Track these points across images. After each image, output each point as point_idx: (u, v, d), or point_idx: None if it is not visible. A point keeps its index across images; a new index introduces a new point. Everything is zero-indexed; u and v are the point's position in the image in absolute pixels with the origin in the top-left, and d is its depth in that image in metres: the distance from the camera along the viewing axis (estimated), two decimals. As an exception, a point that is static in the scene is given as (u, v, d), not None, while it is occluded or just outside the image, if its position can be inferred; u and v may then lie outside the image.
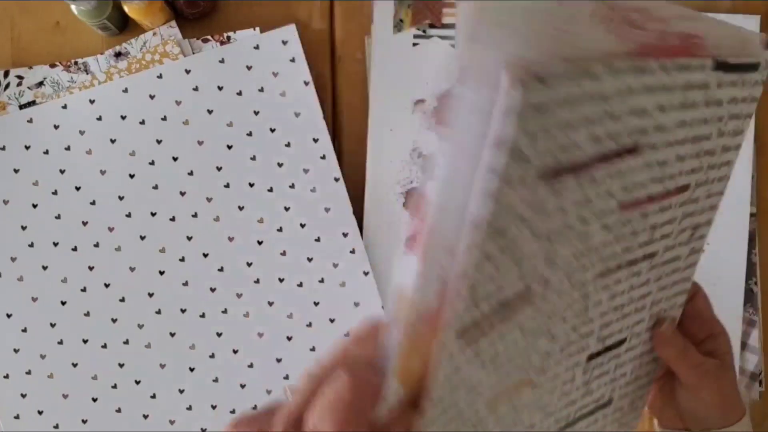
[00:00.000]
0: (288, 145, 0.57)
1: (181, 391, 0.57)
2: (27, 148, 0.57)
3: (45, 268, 0.57)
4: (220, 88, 0.57)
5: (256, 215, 0.57)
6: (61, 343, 0.57)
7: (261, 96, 0.57)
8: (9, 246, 0.57)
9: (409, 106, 0.58)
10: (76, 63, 0.58)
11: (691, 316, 0.52)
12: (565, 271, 0.30)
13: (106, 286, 0.57)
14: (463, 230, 0.24)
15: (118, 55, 0.58)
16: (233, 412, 0.57)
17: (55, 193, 0.57)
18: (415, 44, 0.59)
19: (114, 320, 0.57)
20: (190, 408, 0.57)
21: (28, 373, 0.57)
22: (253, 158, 0.57)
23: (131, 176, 0.57)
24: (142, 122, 0.57)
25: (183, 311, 0.57)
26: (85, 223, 0.57)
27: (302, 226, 0.57)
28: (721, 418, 0.52)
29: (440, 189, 0.24)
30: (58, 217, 0.57)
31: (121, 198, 0.57)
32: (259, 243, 0.57)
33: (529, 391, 0.34)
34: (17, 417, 0.57)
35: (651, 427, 0.55)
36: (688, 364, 0.51)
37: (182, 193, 0.57)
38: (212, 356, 0.57)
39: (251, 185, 0.57)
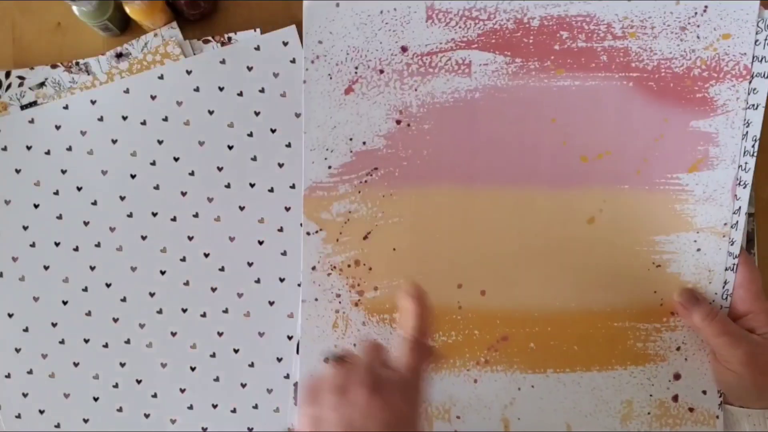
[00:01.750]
0: (288, 145, 0.57)
1: (183, 391, 0.57)
2: (28, 148, 0.57)
3: (46, 267, 0.57)
4: (220, 89, 0.57)
5: (257, 215, 0.57)
6: (62, 342, 0.57)
7: (262, 96, 0.57)
8: (10, 246, 0.57)
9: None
10: (77, 64, 0.58)
11: (737, 286, 0.54)
12: None
13: (108, 285, 0.57)
14: None
15: (119, 55, 0.58)
16: (234, 411, 0.57)
17: (56, 193, 0.57)
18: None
19: (115, 320, 0.57)
20: (191, 407, 0.57)
21: (30, 372, 0.57)
22: (254, 158, 0.57)
23: (132, 176, 0.57)
24: (143, 123, 0.57)
25: (184, 311, 0.57)
26: (86, 223, 0.57)
27: (302, 225, 0.57)
28: (758, 398, 0.52)
29: None
30: (59, 217, 0.57)
31: (122, 198, 0.57)
32: (260, 243, 0.57)
33: None
34: (18, 416, 0.57)
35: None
36: (713, 331, 0.52)
37: (183, 194, 0.57)
38: (213, 356, 0.57)
39: (252, 185, 0.57)
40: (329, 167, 0.53)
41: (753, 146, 0.54)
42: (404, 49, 0.53)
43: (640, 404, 0.55)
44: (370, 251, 0.54)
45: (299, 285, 0.57)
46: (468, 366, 0.55)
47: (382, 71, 0.53)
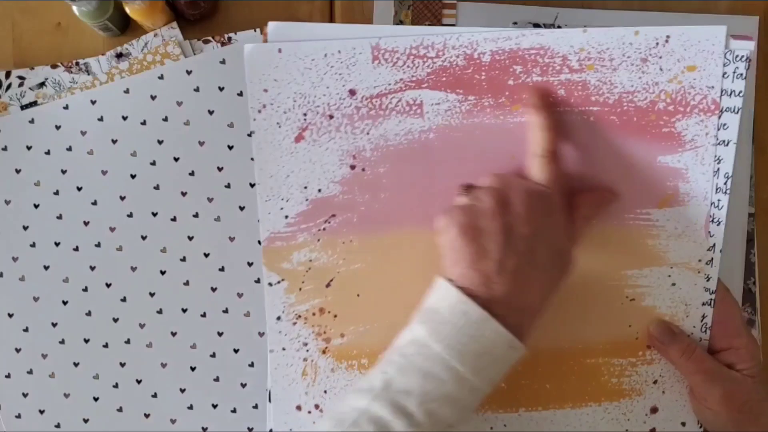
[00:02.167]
0: (288, 145, 0.57)
1: (183, 390, 0.57)
2: (29, 148, 0.57)
3: (46, 267, 0.57)
4: (220, 89, 0.57)
5: (257, 215, 0.57)
6: (62, 342, 0.57)
7: (262, 96, 0.57)
8: (11, 246, 0.57)
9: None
10: (77, 64, 0.58)
11: (716, 321, 0.52)
12: None
13: (108, 285, 0.57)
14: None
15: (119, 55, 0.58)
16: (234, 411, 0.57)
17: (56, 193, 0.57)
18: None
19: (115, 320, 0.57)
20: (191, 407, 0.57)
21: (30, 372, 0.57)
22: (254, 159, 0.57)
23: (132, 176, 0.57)
24: (144, 123, 0.57)
25: (184, 311, 0.57)
26: (86, 223, 0.57)
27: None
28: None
29: None
30: (59, 217, 0.57)
31: (122, 198, 0.57)
32: (260, 243, 0.57)
33: None
34: (19, 416, 0.57)
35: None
36: (690, 368, 0.51)
37: (183, 194, 0.57)
38: (213, 355, 0.57)
39: (252, 185, 0.57)
40: (286, 216, 0.52)
41: (725, 183, 0.51)
42: (352, 92, 0.51)
43: None
44: (334, 298, 0.53)
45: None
46: None
47: (331, 116, 0.51)
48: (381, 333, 0.52)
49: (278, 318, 0.52)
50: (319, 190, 0.52)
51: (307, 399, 0.53)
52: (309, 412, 0.53)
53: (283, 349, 0.53)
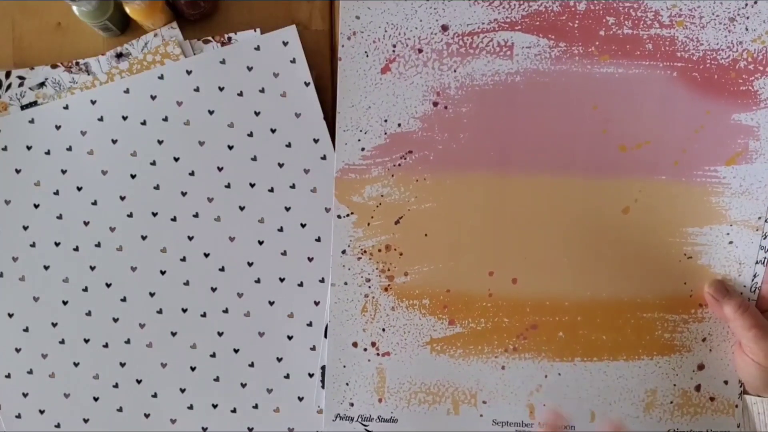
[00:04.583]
0: (289, 145, 0.57)
1: (183, 390, 0.57)
2: (28, 148, 0.57)
3: (46, 267, 0.57)
4: (221, 89, 0.57)
5: (257, 215, 0.57)
6: (62, 342, 0.57)
7: (262, 97, 0.57)
8: (10, 246, 0.57)
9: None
10: (77, 64, 0.58)
11: (765, 279, 0.55)
12: None
13: (108, 285, 0.57)
14: None
15: (119, 55, 0.58)
16: (234, 411, 0.57)
17: (56, 193, 0.57)
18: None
19: (115, 320, 0.57)
20: (191, 407, 0.58)
21: (30, 372, 0.57)
22: (254, 158, 0.57)
23: (132, 176, 0.57)
24: (144, 123, 0.57)
25: (184, 311, 0.57)
26: (86, 223, 0.57)
27: (303, 226, 0.57)
28: None
29: None
30: (59, 217, 0.57)
31: (122, 198, 0.57)
32: (260, 243, 0.57)
33: None
34: (19, 416, 0.57)
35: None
36: (743, 324, 0.53)
37: (183, 194, 0.57)
38: (213, 355, 0.57)
39: (252, 185, 0.57)
40: (362, 149, 0.52)
41: None
42: (445, 27, 0.51)
43: (664, 393, 0.55)
44: (401, 236, 0.53)
45: (300, 285, 0.57)
46: (496, 353, 0.55)
47: (420, 50, 0.52)
48: (445, 274, 0.53)
49: (343, 252, 0.53)
50: (399, 125, 0.52)
51: (365, 336, 0.54)
52: (365, 350, 0.54)
53: (345, 283, 0.53)
